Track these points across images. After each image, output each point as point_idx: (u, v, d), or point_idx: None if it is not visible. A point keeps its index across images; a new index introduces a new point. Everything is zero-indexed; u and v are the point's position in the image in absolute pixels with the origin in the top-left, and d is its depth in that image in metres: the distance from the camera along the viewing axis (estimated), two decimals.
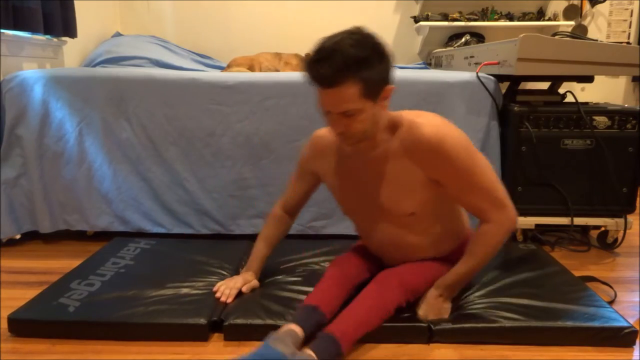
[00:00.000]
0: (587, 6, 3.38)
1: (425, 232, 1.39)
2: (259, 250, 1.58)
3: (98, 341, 1.33)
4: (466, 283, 1.45)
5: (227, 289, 1.47)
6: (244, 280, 1.51)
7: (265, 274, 1.62)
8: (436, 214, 1.37)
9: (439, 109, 1.98)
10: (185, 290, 1.50)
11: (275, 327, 1.32)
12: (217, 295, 1.46)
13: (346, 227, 2.02)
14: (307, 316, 1.28)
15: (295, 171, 1.57)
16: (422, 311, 1.36)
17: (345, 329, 1.23)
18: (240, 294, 1.48)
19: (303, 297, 1.46)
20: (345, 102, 1.16)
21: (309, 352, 1.16)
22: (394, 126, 1.29)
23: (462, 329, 1.32)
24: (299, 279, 1.60)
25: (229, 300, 1.44)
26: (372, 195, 1.36)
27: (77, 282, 1.55)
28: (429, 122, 1.25)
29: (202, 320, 1.34)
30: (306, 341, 1.22)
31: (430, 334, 1.33)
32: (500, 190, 1.31)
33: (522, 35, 1.82)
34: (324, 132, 1.46)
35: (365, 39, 1.15)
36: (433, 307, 1.37)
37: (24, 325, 1.36)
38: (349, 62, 1.11)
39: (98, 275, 1.61)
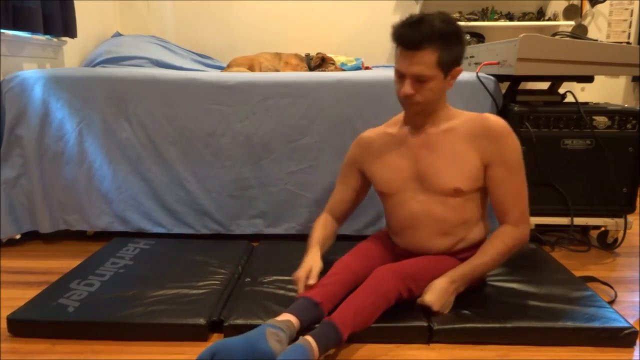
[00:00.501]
0: (587, 6, 3.38)
1: (458, 212, 1.43)
2: (315, 242, 1.54)
3: (98, 341, 1.33)
4: (475, 280, 1.44)
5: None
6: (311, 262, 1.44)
7: (265, 274, 1.62)
8: (472, 200, 1.44)
9: None
10: (185, 290, 1.50)
11: None
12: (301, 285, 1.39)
13: (346, 227, 2.02)
14: (308, 310, 1.29)
15: (339, 176, 1.64)
16: (429, 297, 1.34)
17: (344, 318, 1.24)
18: (239, 293, 1.48)
19: None
20: (422, 66, 1.30)
21: (309, 339, 1.16)
22: (452, 113, 1.45)
23: (462, 329, 1.32)
24: None
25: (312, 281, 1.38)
26: (424, 167, 1.44)
27: (77, 282, 1.55)
28: (498, 118, 1.41)
29: (202, 321, 1.34)
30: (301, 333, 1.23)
31: (430, 334, 1.33)
32: (527, 206, 1.43)
33: (522, 35, 1.82)
34: (369, 131, 1.58)
35: (451, 20, 1.32)
36: (440, 296, 1.35)
37: (24, 325, 1.36)
38: (434, 32, 1.27)
39: (98, 275, 1.61)
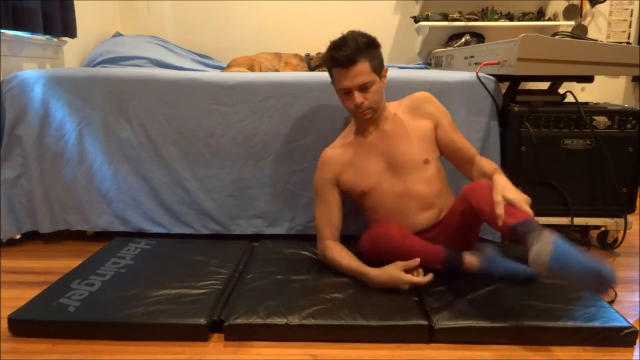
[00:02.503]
0: (587, 6, 3.38)
1: (432, 184, 1.63)
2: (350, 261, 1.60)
3: (98, 341, 1.33)
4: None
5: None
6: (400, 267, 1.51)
7: (265, 274, 1.62)
8: (437, 170, 1.66)
9: None
10: (185, 290, 1.50)
11: (275, 327, 1.33)
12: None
13: (345, 227, 2.01)
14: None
15: (320, 202, 1.69)
16: (502, 195, 1.36)
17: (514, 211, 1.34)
18: (239, 293, 1.48)
19: (302, 296, 1.46)
20: (362, 76, 1.52)
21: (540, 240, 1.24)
22: (390, 106, 1.70)
23: (463, 328, 1.33)
24: (299, 278, 1.60)
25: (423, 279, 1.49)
26: (393, 154, 1.63)
27: (78, 282, 1.55)
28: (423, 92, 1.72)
29: (202, 321, 1.34)
30: None
31: (430, 334, 1.33)
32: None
33: (522, 35, 1.82)
34: (331, 149, 1.72)
35: (362, 32, 1.56)
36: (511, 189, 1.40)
37: (24, 325, 1.36)
38: (360, 46, 1.50)
39: (98, 275, 1.61)
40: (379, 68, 1.56)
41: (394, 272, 1.48)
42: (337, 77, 1.56)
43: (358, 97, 1.54)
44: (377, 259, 1.53)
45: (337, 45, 1.51)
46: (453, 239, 1.57)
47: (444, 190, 1.67)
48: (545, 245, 1.21)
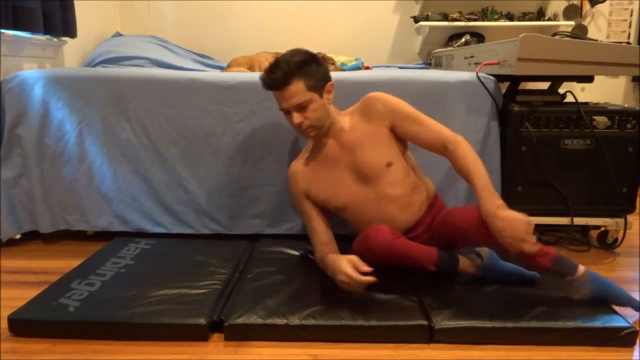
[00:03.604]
0: (587, 6, 3.38)
1: (404, 183, 1.59)
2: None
3: (98, 341, 1.33)
4: (493, 188, 1.42)
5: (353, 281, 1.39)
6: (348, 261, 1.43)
7: (265, 274, 1.62)
8: (404, 167, 1.61)
9: (439, 109, 1.98)
10: (185, 290, 1.50)
11: (276, 327, 1.33)
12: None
13: (344, 227, 2.02)
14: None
15: (304, 214, 1.68)
16: (500, 232, 1.33)
17: None
18: (239, 293, 1.48)
19: (302, 296, 1.46)
20: (297, 97, 1.49)
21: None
22: (344, 116, 1.64)
23: (463, 328, 1.33)
24: (299, 278, 1.60)
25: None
26: (356, 164, 1.58)
27: (78, 282, 1.55)
28: (373, 92, 1.61)
29: (202, 321, 1.34)
30: None
31: (430, 334, 1.33)
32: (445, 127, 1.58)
33: (522, 35, 1.82)
34: (295, 164, 1.70)
35: (300, 50, 1.55)
36: (509, 221, 1.33)
37: (24, 325, 1.36)
38: (291, 67, 1.47)
39: (98, 275, 1.61)
40: (318, 85, 1.52)
41: (340, 261, 1.41)
42: (275, 98, 1.56)
43: (296, 117, 1.52)
44: (370, 261, 1.50)
45: (271, 68, 1.50)
46: (439, 245, 1.56)
47: (417, 183, 1.63)
48: (585, 284, 1.43)
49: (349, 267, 1.37)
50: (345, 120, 1.63)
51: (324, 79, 1.55)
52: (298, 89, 1.48)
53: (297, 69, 1.48)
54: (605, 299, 1.43)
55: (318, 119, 1.54)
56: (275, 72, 1.48)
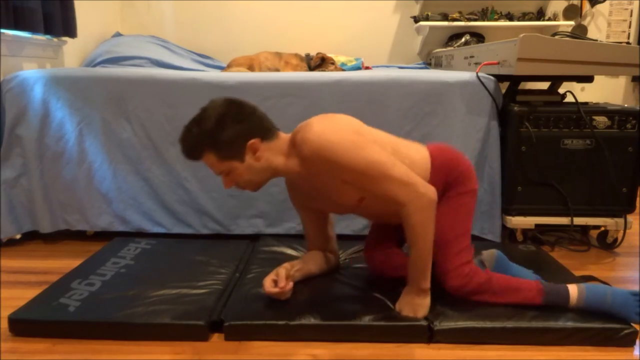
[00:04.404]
0: (587, 6, 3.38)
1: (384, 203, 1.36)
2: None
3: (98, 341, 1.33)
4: (425, 271, 1.37)
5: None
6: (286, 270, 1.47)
7: (265, 274, 1.61)
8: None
9: (439, 109, 1.98)
10: (185, 290, 1.50)
11: (275, 327, 1.33)
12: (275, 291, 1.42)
13: (345, 226, 2.02)
14: None
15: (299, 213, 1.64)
16: (397, 305, 1.41)
17: None
18: (240, 293, 1.48)
19: (302, 296, 1.46)
20: (213, 167, 1.34)
21: None
22: (291, 158, 1.37)
23: (462, 328, 1.33)
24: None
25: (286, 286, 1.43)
26: (326, 200, 1.46)
27: (78, 282, 1.55)
28: (308, 136, 1.30)
29: (202, 321, 1.34)
30: None
31: (430, 334, 1.33)
32: (398, 171, 1.30)
33: (522, 35, 1.82)
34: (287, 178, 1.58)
35: (206, 116, 1.30)
36: (407, 302, 1.40)
37: (24, 325, 1.36)
38: (196, 143, 1.30)
39: (98, 275, 1.61)
40: (234, 152, 1.31)
41: (276, 269, 1.47)
42: None
43: (225, 182, 1.37)
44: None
45: (182, 135, 1.32)
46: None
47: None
48: (580, 298, 1.39)
49: (268, 280, 1.44)
50: (292, 159, 1.37)
51: (241, 142, 1.31)
52: (211, 162, 1.33)
53: (203, 142, 1.30)
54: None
55: (249, 180, 1.37)
56: (184, 149, 1.32)
